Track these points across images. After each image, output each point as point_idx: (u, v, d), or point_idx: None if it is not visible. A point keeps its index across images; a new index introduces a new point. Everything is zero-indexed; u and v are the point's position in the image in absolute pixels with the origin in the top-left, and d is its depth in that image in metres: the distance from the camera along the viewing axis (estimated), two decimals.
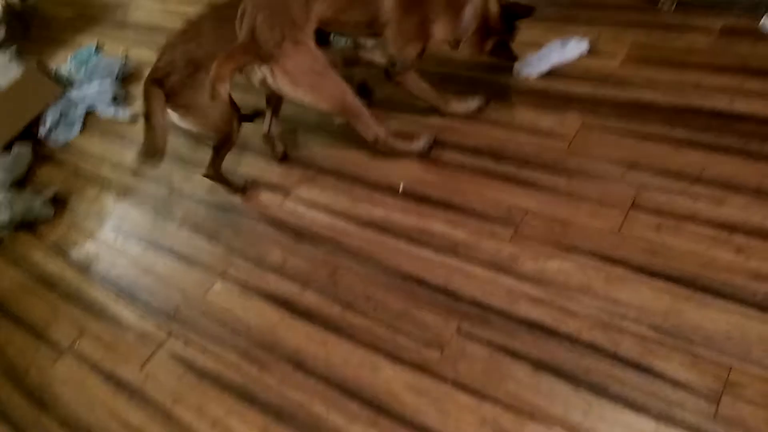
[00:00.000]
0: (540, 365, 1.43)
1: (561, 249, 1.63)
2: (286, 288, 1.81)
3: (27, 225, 2.41)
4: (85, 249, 2.22)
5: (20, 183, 2.64)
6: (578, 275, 1.56)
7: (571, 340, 1.45)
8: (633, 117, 1.87)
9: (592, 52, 2.14)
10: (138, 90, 2.86)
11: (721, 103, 1.81)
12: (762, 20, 1.97)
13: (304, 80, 1.79)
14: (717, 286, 1.43)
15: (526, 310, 1.54)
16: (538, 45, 2.22)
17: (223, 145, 2.05)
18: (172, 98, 1.89)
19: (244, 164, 2.26)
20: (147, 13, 3.52)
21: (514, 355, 1.46)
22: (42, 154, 2.80)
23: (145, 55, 3.10)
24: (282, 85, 1.79)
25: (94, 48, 3.34)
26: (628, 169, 1.73)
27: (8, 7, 4.21)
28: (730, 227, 1.53)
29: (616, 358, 1.39)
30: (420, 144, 2.01)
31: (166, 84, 1.88)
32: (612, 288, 1.51)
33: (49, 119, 2.91)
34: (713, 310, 1.40)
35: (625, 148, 1.80)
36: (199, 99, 1.87)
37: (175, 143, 2.18)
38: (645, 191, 1.67)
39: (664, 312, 1.43)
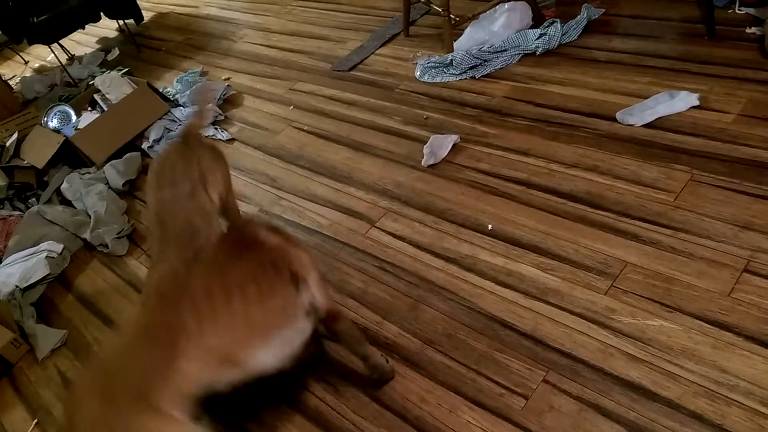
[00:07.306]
0: (635, 429, 1.32)
1: (663, 307, 1.53)
2: (366, 316, 1.79)
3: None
4: None
5: (127, 193, 2.79)
6: (682, 338, 1.45)
7: (672, 406, 1.34)
8: (747, 176, 1.76)
9: (702, 105, 2.05)
10: (237, 114, 3.03)
11: None
12: None
13: None
14: None
15: (621, 367, 1.44)
16: (643, 96, 2.16)
17: None
18: None
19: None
20: (250, 44, 3.72)
21: (607, 415, 1.37)
22: (144, 165, 2.97)
23: (245, 82, 3.28)
24: None
25: (199, 73, 3.56)
26: (741, 229, 1.62)
27: (122, 30, 4.59)
28: None
29: (721, 431, 1.27)
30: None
31: None
32: (720, 355, 1.39)
33: (153, 134, 3.08)
34: None
35: (738, 207, 1.69)
36: None
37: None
38: (760, 254, 1.55)
39: None
